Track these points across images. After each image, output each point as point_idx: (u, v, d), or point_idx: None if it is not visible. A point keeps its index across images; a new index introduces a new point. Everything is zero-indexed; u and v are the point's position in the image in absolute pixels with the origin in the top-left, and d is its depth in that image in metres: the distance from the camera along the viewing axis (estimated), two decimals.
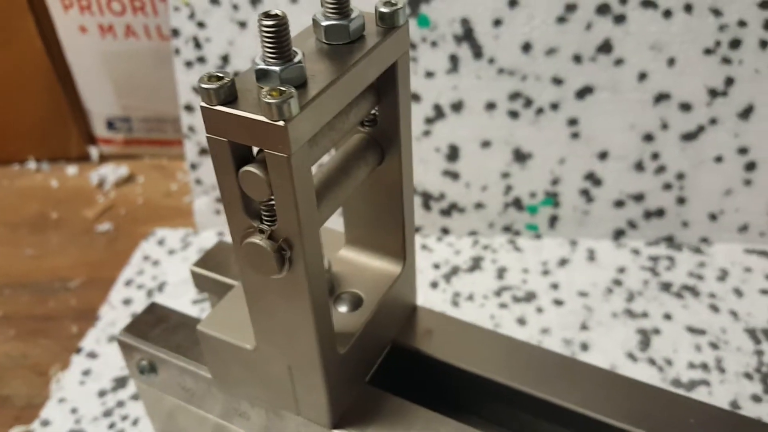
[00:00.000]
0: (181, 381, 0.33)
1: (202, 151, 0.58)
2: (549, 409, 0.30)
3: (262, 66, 0.22)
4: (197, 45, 0.54)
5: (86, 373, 0.47)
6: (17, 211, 0.68)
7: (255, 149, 0.23)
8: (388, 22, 0.25)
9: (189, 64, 0.55)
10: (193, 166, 0.59)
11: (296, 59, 0.22)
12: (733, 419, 0.29)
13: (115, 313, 0.51)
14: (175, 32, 0.54)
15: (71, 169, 0.73)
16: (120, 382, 0.46)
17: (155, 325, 0.34)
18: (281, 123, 0.21)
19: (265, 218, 0.24)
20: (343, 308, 0.31)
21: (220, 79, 0.22)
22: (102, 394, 0.45)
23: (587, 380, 0.31)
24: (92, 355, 0.48)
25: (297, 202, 0.22)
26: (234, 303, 0.31)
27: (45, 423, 0.44)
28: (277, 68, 0.22)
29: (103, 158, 0.74)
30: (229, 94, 0.22)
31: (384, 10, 0.25)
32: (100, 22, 0.63)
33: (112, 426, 0.43)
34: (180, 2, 0.53)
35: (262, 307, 0.26)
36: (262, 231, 0.24)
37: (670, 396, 0.30)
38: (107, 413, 0.44)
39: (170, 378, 0.33)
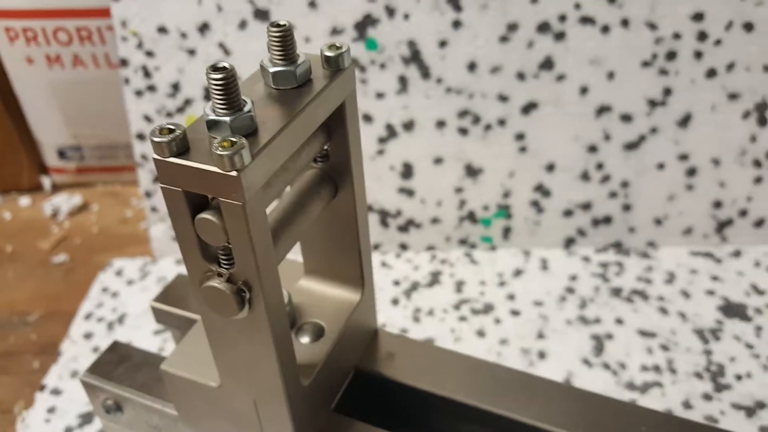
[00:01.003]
0: (148, 419, 0.33)
1: (157, 179, 0.58)
2: (509, 425, 0.31)
3: (213, 117, 0.23)
4: (146, 74, 0.54)
5: (51, 410, 0.46)
6: None
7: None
8: (333, 65, 0.26)
9: (139, 93, 0.55)
10: (148, 194, 0.59)
11: (246, 108, 0.23)
12: (683, 425, 0.31)
13: (77, 348, 0.51)
14: (124, 62, 0.54)
15: (24, 200, 0.72)
16: (86, 418, 0.45)
17: (118, 364, 0.34)
18: (234, 173, 0.21)
19: (223, 261, 0.24)
20: (305, 339, 0.31)
21: (171, 131, 0.22)
22: (68, 431, 0.45)
23: (543, 394, 0.32)
24: (56, 392, 0.48)
25: (254, 246, 0.23)
26: (196, 340, 0.31)
27: None
28: (227, 118, 0.22)
29: (56, 188, 0.73)
30: (181, 146, 0.22)
31: (329, 54, 0.26)
32: (47, 52, 0.63)
33: None
34: (128, 32, 0.53)
35: (225, 346, 0.27)
36: (220, 274, 0.24)
37: (621, 405, 0.32)
38: None
39: (136, 416, 0.34)
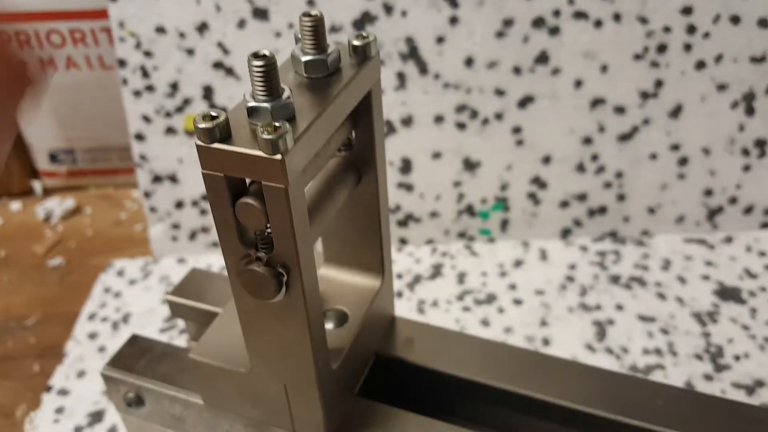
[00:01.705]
0: (171, 410, 0.34)
1: (155, 179, 0.59)
2: (529, 403, 0.32)
3: (253, 103, 0.23)
4: (145, 74, 0.55)
5: (59, 410, 0.46)
6: None
7: (248, 180, 0.24)
8: (361, 54, 0.27)
9: (137, 93, 0.55)
10: (147, 194, 0.59)
11: (285, 95, 0.23)
12: (695, 397, 0.32)
13: (82, 348, 0.51)
14: (122, 63, 0.54)
15: (15, 205, 0.71)
16: (95, 417, 0.45)
17: (140, 357, 0.35)
18: (278, 157, 0.22)
19: (261, 245, 0.25)
20: (329, 325, 0.32)
21: (214, 118, 0.23)
22: (78, 430, 0.45)
23: (561, 372, 0.33)
24: (63, 392, 0.48)
25: (294, 228, 0.24)
26: (221, 329, 0.32)
27: None
28: (268, 105, 0.23)
29: (47, 192, 0.73)
30: (225, 132, 0.23)
31: (357, 43, 0.27)
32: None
33: None
34: (125, 33, 0.53)
35: (259, 331, 0.27)
36: (258, 258, 0.25)
37: (635, 380, 0.33)
38: None
39: (159, 408, 0.34)
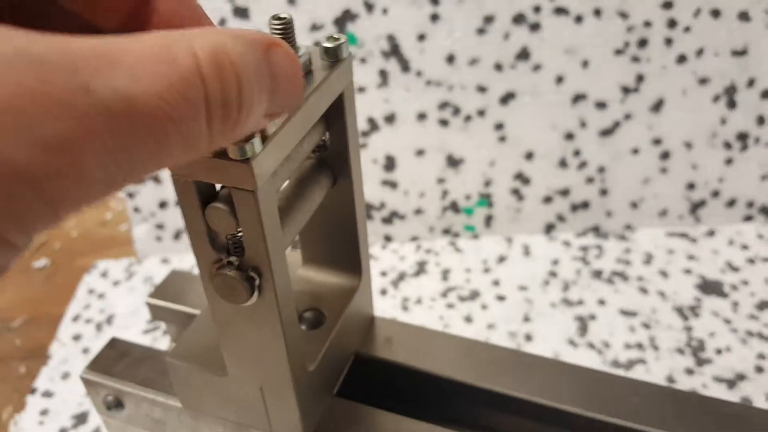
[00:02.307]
0: (150, 413, 0.33)
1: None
2: (506, 401, 0.32)
3: None
4: None
5: (44, 413, 0.46)
6: None
7: (218, 185, 0.24)
8: (333, 56, 0.27)
9: None
10: (130, 195, 0.59)
11: None
12: (673, 394, 0.32)
13: (66, 350, 0.51)
14: None
15: None
16: (80, 419, 0.45)
17: (118, 360, 0.35)
18: (246, 161, 0.22)
19: (233, 250, 0.25)
20: (306, 327, 0.32)
21: None
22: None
23: (539, 370, 0.33)
24: (48, 394, 0.48)
25: (264, 232, 0.24)
26: (199, 331, 0.32)
27: None
28: None
29: None
30: None
31: (328, 45, 0.27)
32: None
33: None
34: None
35: (234, 335, 0.27)
36: (230, 263, 0.25)
37: (613, 378, 0.33)
38: None
39: (138, 411, 0.34)
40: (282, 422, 0.30)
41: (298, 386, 0.28)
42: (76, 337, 0.52)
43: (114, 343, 0.36)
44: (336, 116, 0.29)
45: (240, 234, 0.25)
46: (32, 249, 0.65)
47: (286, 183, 0.30)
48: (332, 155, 0.30)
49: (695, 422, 0.31)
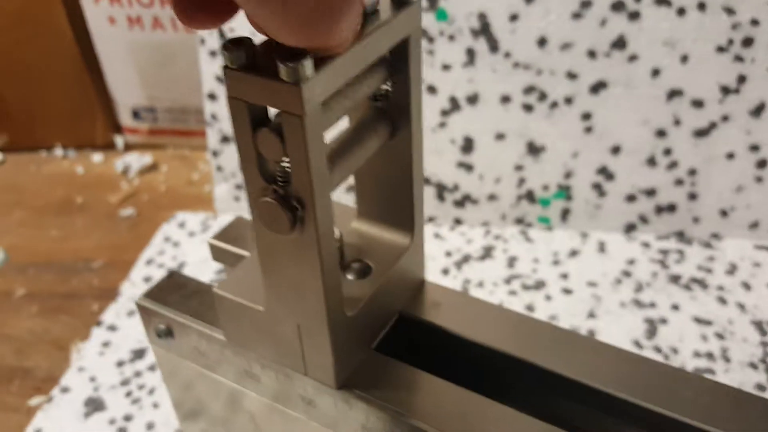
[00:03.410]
0: (197, 344, 0.34)
1: (224, 139, 0.60)
2: (554, 381, 0.31)
3: None
4: (221, 34, 0.56)
5: (106, 344, 0.48)
6: (44, 196, 0.70)
7: (273, 112, 0.25)
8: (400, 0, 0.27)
9: (213, 53, 0.57)
10: (215, 153, 0.61)
11: None
12: (735, 393, 0.30)
13: (135, 289, 0.53)
14: None
15: (97, 157, 0.75)
16: (138, 354, 0.47)
17: (173, 291, 0.36)
18: (296, 84, 0.22)
19: (280, 178, 0.25)
20: (352, 276, 0.32)
21: (241, 42, 0.23)
22: (120, 364, 0.47)
23: (595, 354, 0.32)
24: (112, 328, 0.50)
25: (309, 162, 0.24)
26: (248, 269, 0.32)
27: (64, 390, 0.46)
28: None
29: (128, 147, 0.76)
30: (250, 58, 0.23)
31: None
32: (128, 13, 0.66)
33: (128, 394, 0.45)
34: None
35: (274, 266, 0.28)
36: (276, 191, 0.25)
37: (670, 369, 0.31)
38: (125, 382, 0.45)
39: (186, 342, 0.35)
40: (316, 365, 0.30)
41: (333, 329, 0.28)
42: (147, 279, 0.54)
43: (172, 276, 0.37)
44: (400, 63, 0.28)
45: (287, 163, 0.25)
46: (122, 197, 0.69)
47: (344, 127, 0.30)
48: (393, 105, 0.30)
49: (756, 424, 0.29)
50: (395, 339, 0.33)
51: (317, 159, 0.24)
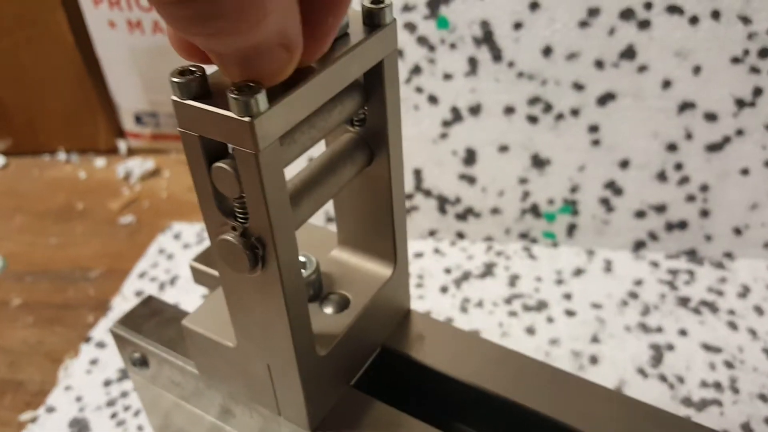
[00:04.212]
0: (171, 375, 0.33)
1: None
2: (538, 421, 0.29)
3: None
4: None
5: (94, 362, 0.47)
6: (45, 201, 0.70)
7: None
8: (373, 20, 0.25)
9: None
10: None
11: None
12: None
13: (127, 304, 0.52)
14: None
15: (99, 161, 0.74)
16: (125, 373, 0.46)
17: (149, 318, 0.34)
18: (247, 119, 0.20)
19: (239, 215, 0.24)
20: (329, 309, 0.30)
21: (191, 73, 0.21)
22: (107, 383, 0.46)
23: (581, 395, 0.30)
24: (101, 345, 0.49)
25: (267, 200, 0.22)
26: (220, 300, 0.31)
27: (50, 409, 0.45)
28: None
29: (131, 152, 0.75)
30: (201, 89, 0.21)
31: (370, 6, 0.25)
32: (128, 17, 0.64)
33: (114, 416, 0.43)
34: None
35: (240, 305, 0.26)
36: (234, 228, 0.24)
37: (657, 412, 0.29)
38: (111, 403, 0.44)
39: (161, 372, 0.33)
40: (288, 404, 0.28)
41: (304, 369, 0.27)
42: (139, 293, 0.53)
43: (149, 301, 0.36)
44: (375, 88, 0.27)
45: (245, 199, 0.23)
46: (123, 204, 0.68)
47: (318, 154, 0.28)
48: (369, 131, 0.28)
49: None
50: (377, 373, 0.32)
51: (276, 197, 0.22)
